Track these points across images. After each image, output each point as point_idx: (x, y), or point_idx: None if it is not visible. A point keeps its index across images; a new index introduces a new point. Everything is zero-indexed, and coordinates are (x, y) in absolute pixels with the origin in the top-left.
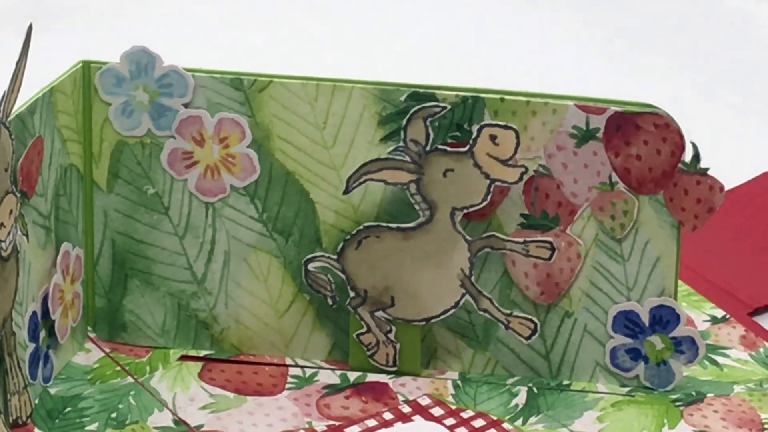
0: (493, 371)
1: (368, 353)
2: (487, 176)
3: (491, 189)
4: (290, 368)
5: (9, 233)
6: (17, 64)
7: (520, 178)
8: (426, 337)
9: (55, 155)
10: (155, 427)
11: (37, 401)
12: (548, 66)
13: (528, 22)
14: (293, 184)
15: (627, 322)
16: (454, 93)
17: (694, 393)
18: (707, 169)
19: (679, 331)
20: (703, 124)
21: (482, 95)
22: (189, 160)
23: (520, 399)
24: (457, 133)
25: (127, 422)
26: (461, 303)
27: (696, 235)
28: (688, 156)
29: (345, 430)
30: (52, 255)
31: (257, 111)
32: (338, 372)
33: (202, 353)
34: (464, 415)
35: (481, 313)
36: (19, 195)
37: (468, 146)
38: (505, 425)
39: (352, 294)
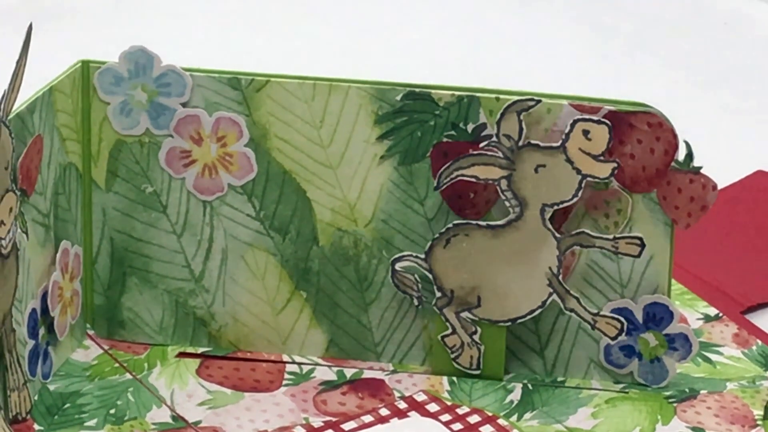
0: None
1: (452, 356)
2: (578, 172)
3: (582, 185)
4: (287, 365)
5: (9, 231)
6: (17, 63)
7: (612, 173)
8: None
9: (54, 154)
10: (153, 423)
11: (36, 397)
12: (543, 65)
13: (523, 22)
14: (290, 182)
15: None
16: (450, 92)
17: (687, 390)
18: (700, 168)
19: (673, 329)
20: (696, 123)
21: (477, 95)
22: (187, 158)
23: (515, 395)
24: (453, 132)
25: (126, 418)
26: (548, 302)
27: (689, 234)
28: (681, 155)
29: (342, 425)
30: (51, 253)
31: (254, 110)
32: (335, 368)
33: (200, 350)
34: (460, 411)
35: (567, 313)
36: (18, 193)
37: (560, 141)
38: (500, 421)
39: (438, 294)
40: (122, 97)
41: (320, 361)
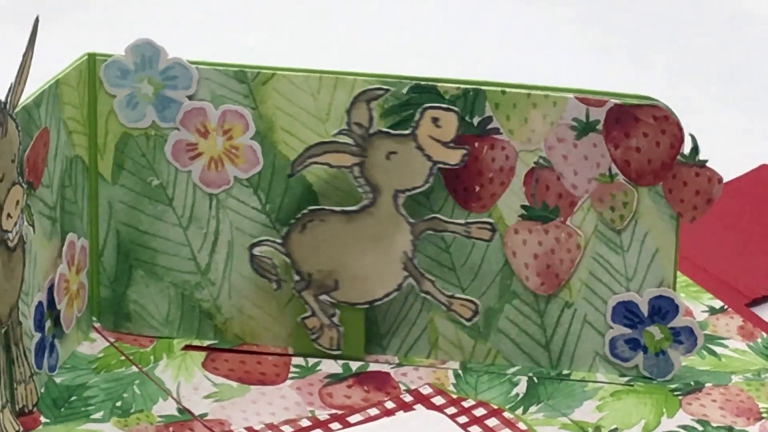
0: (494, 361)
1: (312, 337)
2: (429, 158)
3: (433, 171)
4: (293, 358)
5: (15, 224)
6: (24, 56)
7: (462, 160)
8: (368, 321)
9: (60, 147)
10: (160, 416)
11: (42, 390)
12: (549, 59)
13: (529, 15)
14: (296, 175)
15: (626, 313)
16: (456, 85)
17: (692, 383)
18: (706, 161)
19: (678, 322)
20: (702, 117)
21: (483, 88)
22: (193, 151)
23: (521, 388)
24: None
25: (132, 411)
26: (404, 286)
27: (695, 227)
28: (687, 148)
29: (347, 418)
30: (57, 245)
31: (261, 103)
32: (340, 362)
33: (206, 343)
34: (465, 404)
35: (423, 295)
36: (25, 186)
37: (410, 129)
38: (506, 414)
39: (296, 278)
40: (128, 89)
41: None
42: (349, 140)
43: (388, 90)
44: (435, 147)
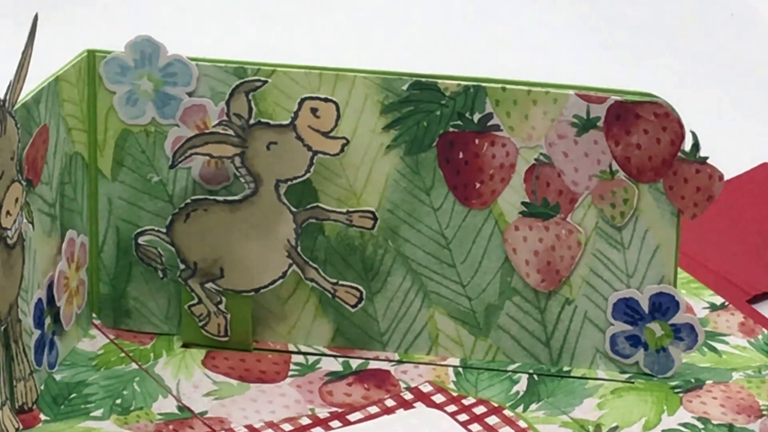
0: (494, 358)
1: (200, 324)
2: (309, 148)
3: (313, 161)
4: (293, 355)
5: (15, 221)
6: (23, 53)
7: (341, 150)
8: (254, 309)
9: (60, 144)
10: (159, 414)
11: (42, 387)
12: (549, 55)
13: (529, 11)
14: None
15: (627, 309)
16: (456, 82)
17: (693, 380)
18: (707, 158)
19: (679, 318)
20: (703, 114)
21: (484, 84)
22: None
23: (521, 386)
24: (459, 122)
25: (132, 408)
26: (288, 273)
27: (695, 224)
28: (687, 145)
29: (347, 416)
30: (57, 242)
31: (260, 100)
32: (340, 359)
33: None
34: (466, 401)
35: (307, 282)
36: (24, 183)
37: (290, 119)
38: (506, 412)
39: (182, 266)
40: (128, 86)
41: (326, 350)
42: (230, 131)
43: (266, 82)
44: (315, 137)
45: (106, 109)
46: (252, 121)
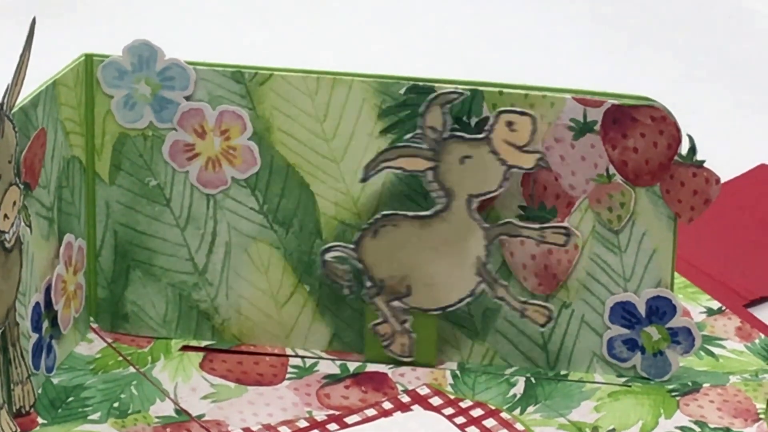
0: (492, 361)
1: (384, 344)
2: (503, 162)
3: (507, 176)
4: (290, 358)
5: (12, 225)
6: (21, 57)
7: (536, 165)
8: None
9: (57, 147)
10: (157, 417)
11: (40, 391)
12: (546, 59)
13: (526, 15)
14: (294, 176)
15: (624, 313)
16: (453, 86)
17: (690, 383)
18: (703, 162)
19: (676, 322)
20: (700, 117)
21: (481, 88)
22: (190, 152)
23: (518, 389)
24: (456, 126)
25: (130, 412)
26: (477, 291)
27: (692, 228)
28: (684, 148)
29: (345, 419)
30: (54, 246)
31: (258, 104)
32: (338, 362)
33: (204, 344)
34: (463, 404)
35: (496, 300)
36: (22, 187)
37: (485, 133)
38: (503, 415)
39: (368, 284)
40: (126, 90)
41: (323, 354)
42: (423, 144)
43: (462, 94)
44: (509, 151)
45: (103, 113)
46: (446, 135)
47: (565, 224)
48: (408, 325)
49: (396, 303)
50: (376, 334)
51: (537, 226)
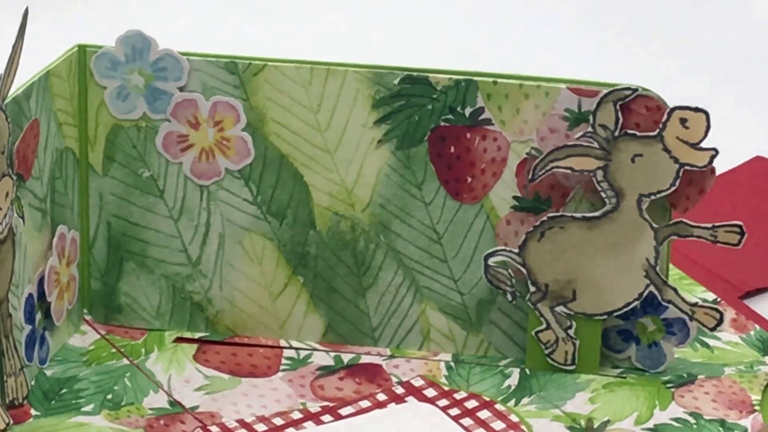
0: (486, 353)
1: (546, 351)
2: (676, 161)
3: (680, 174)
4: (284, 350)
5: (5, 216)
6: (13, 47)
7: (710, 162)
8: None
9: (50, 138)
10: (151, 409)
11: (33, 383)
12: (541, 49)
13: (521, 5)
14: (287, 167)
15: None
16: (447, 76)
17: (685, 375)
18: None
19: (671, 313)
20: None
21: (475, 78)
22: (184, 143)
23: (513, 380)
24: (450, 116)
25: (123, 404)
26: (645, 294)
27: (687, 218)
28: None
29: (339, 411)
30: (47, 237)
31: (252, 94)
32: (332, 354)
33: (197, 335)
34: (457, 396)
35: (665, 303)
36: (15, 178)
37: (657, 130)
38: (498, 406)
39: (532, 289)
40: (119, 81)
41: (318, 346)
42: (593, 143)
43: (636, 90)
44: (682, 149)
45: (96, 104)
46: (617, 133)
47: (739, 222)
48: (572, 332)
49: (560, 308)
50: (539, 342)
51: (709, 225)
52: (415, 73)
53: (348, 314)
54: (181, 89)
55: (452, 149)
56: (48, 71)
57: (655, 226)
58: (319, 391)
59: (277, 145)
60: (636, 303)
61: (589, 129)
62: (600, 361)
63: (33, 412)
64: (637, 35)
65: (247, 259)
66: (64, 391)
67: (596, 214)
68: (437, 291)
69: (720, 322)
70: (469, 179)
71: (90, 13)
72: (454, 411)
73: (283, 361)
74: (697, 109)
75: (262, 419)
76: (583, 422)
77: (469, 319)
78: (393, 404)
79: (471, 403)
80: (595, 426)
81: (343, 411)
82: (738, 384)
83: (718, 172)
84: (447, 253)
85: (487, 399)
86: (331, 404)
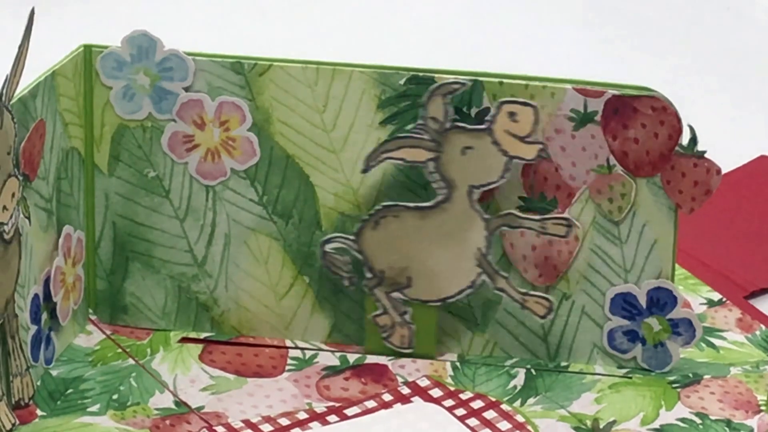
0: (492, 353)
1: (383, 335)
2: (505, 153)
3: (509, 167)
4: (290, 350)
5: (11, 216)
6: (19, 48)
7: (538, 155)
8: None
9: (56, 138)
10: (156, 409)
11: (39, 383)
12: (547, 49)
13: (527, 5)
14: (293, 167)
15: (624, 304)
16: (453, 76)
17: (691, 375)
18: (704, 152)
19: (676, 313)
20: (701, 108)
21: (481, 79)
22: (189, 143)
23: (519, 381)
24: (456, 117)
25: (129, 404)
26: (477, 282)
27: (693, 219)
28: (685, 139)
29: (345, 411)
30: (53, 238)
31: (257, 94)
32: (338, 354)
33: (203, 335)
34: (463, 396)
35: (497, 292)
36: (21, 178)
37: (487, 123)
38: (504, 406)
39: (368, 275)
40: (125, 81)
41: (323, 346)
42: (425, 135)
43: (464, 84)
44: (511, 142)
45: (102, 104)
46: (447, 125)
47: (565, 215)
48: (408, 317)
49: (396, 294)
50: (375, 326)
51: (538, 217)
52: (420, 74)
53: (353, 314)
54: (186, 89)
55: None
56: (54, 71)
57: (486, 216)
58: (325, 391)
59: (282, 145)
60: (469, 290)
61: (420, 122)
62: (606, 361)
63: (39, 412)
64: (643, 35)
65: (252, 260)
66: (69, 391)
67: (429, 204)
68: None
69: (550, 310)
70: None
71: (96, 13)
72: (460, 411)
73: (289, 361)
74: (525, 103)
75: (267, 419)
76: (589, 422)
77: (474, 320)
78: (399, 404)
79: (477, 404)
80: (601, 426)
81: (349, 411)
82: (744, 384)
83: (723, 172)
84: None
85: (493, 399)
86: (336, 404)
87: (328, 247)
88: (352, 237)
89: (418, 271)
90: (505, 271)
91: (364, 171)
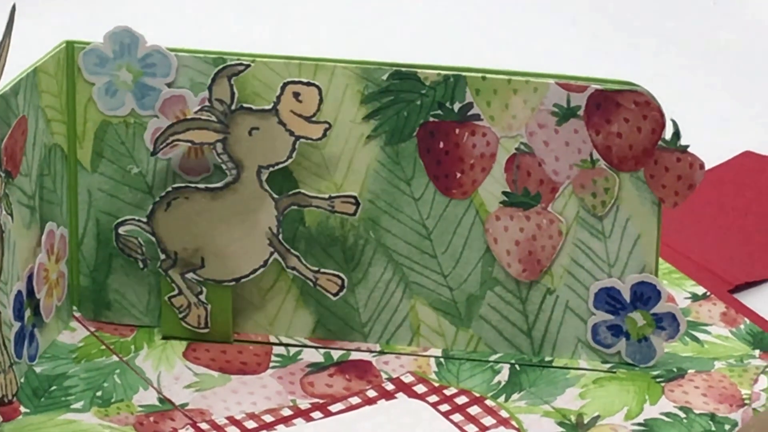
0: (476, 348)
1: (180, 315)
2: (291, 133)
3: (296, 146)
4: (274, 347)
5: None
6: (0, 44)
7: (324, 135)
8: (237, 300)
9: (39, 135)
10: (140, 406)
11: (22, 380)
12: (530, 44)
13: (510, 0)
14: None
15: (608, 299)
16: (436, 72)
17: (675, 369)
18: (687, 147)
19: (660, 308)
20: (684, 102)
21: (464, 74)
22: None
23: (503, 376)
24: (439, 112)
25: (113, 400)
26: (270, 261)
27: (676, 214)
28: (668, 133)
29: (329, 407)
30: (36, 234)
31: (240, 90)
32: (322, 350)
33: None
34: (447, 392)
35: (289, 270)
36: (3, 175)
37: (272, 104)
38: (488, 402)
39: (162, 256)
40: (107, 77)
41: (307, 342)
42: (212, 117)
43: (248, 66)
44: (297, 122)
45: (85, 100)
46: (234, 107)
47: (353, 194)
48: (203, 297)
49: (190, 275)
50: (171, 306)
51: (327, 195)
52: (403, 69)
53: (338, 310)
54: (169, 85)
55: (441, 145)
56: (36, 68)
57: (275, 196)
58: (309, 387)
59: None
60: (261, 269)
61: (206, 103)
62: (590, 356)
63: (22, 409)
64: (627, 30)
65: None
66: (53, 388)
67: (218, 185)
68: (427, 286)
69: (342, 288)
70: (458, 175)
71: (78, 9)
72: (444, 407)
73: (273, 358)
74: (309, 84)
75: (252, 416)
76: (573, 418)
77: (458, 315)
78: (383, 401)
79: (461, 399)
80: (585, 421)
81: (333, 408)
82: (728, 378)
83: (707, 167)
84: (436, 248)
85: (477, 395)
86: (321, 401)
87: (122, 230)
88: (144, 219)
89: (211, 251)
90: (296, 250)
91: (153, 153)
